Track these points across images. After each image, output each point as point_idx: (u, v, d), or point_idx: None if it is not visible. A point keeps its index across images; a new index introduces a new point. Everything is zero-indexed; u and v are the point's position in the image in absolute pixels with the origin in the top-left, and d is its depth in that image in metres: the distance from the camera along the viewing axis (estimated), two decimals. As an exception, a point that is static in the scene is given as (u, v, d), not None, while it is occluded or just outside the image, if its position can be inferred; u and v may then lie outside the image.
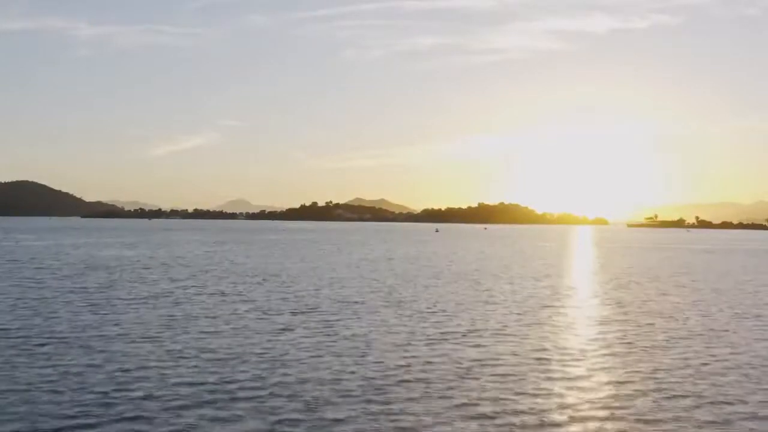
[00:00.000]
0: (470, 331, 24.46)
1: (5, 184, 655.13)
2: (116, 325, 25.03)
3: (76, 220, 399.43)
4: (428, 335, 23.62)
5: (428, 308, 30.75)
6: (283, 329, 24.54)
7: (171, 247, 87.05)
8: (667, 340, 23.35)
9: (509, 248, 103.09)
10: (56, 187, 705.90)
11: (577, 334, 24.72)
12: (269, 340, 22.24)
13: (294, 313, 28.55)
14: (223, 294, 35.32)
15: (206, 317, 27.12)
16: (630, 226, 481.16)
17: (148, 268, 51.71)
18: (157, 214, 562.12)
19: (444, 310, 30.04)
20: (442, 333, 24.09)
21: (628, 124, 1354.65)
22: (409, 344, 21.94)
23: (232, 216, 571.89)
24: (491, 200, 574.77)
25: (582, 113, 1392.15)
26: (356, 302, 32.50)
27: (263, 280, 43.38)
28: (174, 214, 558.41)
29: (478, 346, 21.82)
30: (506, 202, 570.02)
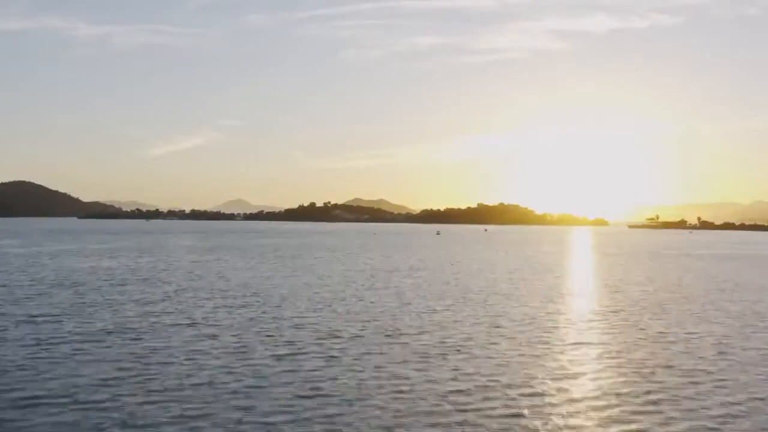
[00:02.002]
0: (486, 386, 19.43)
1: (2, 184, 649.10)
2: (49, 377, 20.23)
3: (72, 221, 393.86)
4: (433, 393, 18.68)
5: (434, 347, 25.78)
6: (252, 384, 19.61)
7: (157, 256, 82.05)
8: (742, 408, 18.43)
9: (513, 255, 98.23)
10: (54, 188, 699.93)
11: (630, 400, 19.79)
12: (226, 410, 17.30)
13: (269, 357, 23.61)
14: (193, 325, 30.42)
15: (163, 363, 22.17)
16: (631, 227, 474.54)
17: (122, 285, 46.81)
18: (155, 214, 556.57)
19: (451, 351, 25.07)
20: (451, 386, 19.13)
21: (628, 124, 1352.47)
22: (411, 413, 17.00)
23: (230, 217, 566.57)
24: (491, 201, 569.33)
25: (582, 113, 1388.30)
26: (347, 338, 27.53)
27: (245, 303, 38.44)
28: (172, 214, 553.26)
29: (500, 407, 16.86)
30: (506, 203, 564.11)
